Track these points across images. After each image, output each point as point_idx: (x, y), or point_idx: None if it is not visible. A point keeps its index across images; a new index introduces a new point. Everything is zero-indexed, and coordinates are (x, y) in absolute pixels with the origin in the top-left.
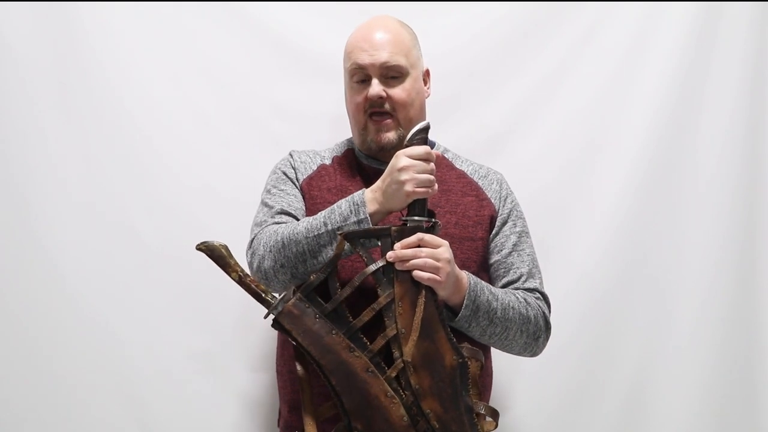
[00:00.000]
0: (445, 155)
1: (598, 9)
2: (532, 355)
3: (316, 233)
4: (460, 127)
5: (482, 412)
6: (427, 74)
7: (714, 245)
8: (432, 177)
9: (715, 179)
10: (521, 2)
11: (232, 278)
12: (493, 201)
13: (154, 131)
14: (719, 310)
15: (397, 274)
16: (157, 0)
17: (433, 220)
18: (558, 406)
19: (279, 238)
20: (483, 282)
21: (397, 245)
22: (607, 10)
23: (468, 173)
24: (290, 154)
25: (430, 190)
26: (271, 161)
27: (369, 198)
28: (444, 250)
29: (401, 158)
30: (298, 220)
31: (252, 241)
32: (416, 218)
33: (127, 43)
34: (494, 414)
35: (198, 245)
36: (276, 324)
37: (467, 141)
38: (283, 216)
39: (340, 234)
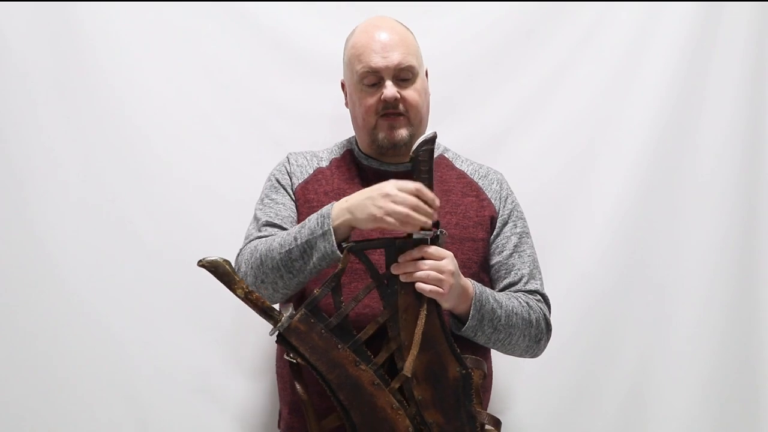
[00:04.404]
0: (445, 155)
1: (598, 9)
2: (532, 357)
3: (287, 248)
4: (460, 127)
5: (485, 421)
6: (426, 74)
7: (714, 245)
8: (408, 212)
9: (715, 179)
10: (521, 2)
11: (237, 295)
12: (493, 201)
13: (154, 131)
14: (719, 310)
15: (401, 286)
16: (157, 0)
17: (438, 230)
18: (558, 406)
19: (258, 255)
20: (488, 289)
21: (400, 257)
22: (607, 10)
23: (468, 173)
24: (287, 158)
25: (398, 224)
26: (271, 161)
27: (337, 210)
28: (448, 262)
29: (388, 185)
30: (285, 229)
31: (237, 257)
32: (421, 230)
33: (127, 43)
34: (496, 423)
35: (200, 262)
36: (282, 340)
37: (467, 141)
38: (268, 228)
39: (345, 247)
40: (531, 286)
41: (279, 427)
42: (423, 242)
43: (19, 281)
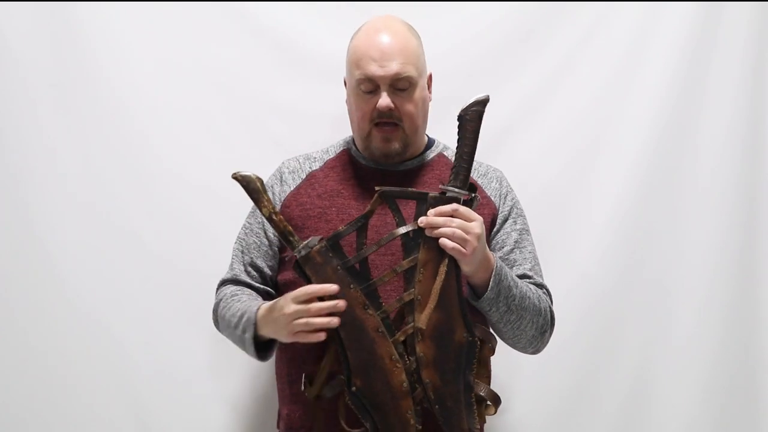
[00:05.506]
0: (444, 153)
1: (598, 9)
2: (534, 352)
3: (231, 330)
4: None
5: (483, 394)
6: (430, 79)
7: (714, 245)
8: (312, 320)
9: (715, 179)
10: (521, 2)
11: (262, 213)
12: (493, 199)
13: (154, 131)
14: (719, 310)
15: (425, 240)
16: (157, 0)
17: (473, 194)
18: (558, 406)
19: (221, 314)
20: (506, 267)
21: (430, 212)
22: (607, 10)
23: None
24: (279, 168)
25: (312, 337)
26: (271, 161)
27: (262, 321)
28: (476, 225)
29: (287, 303)
30: (251, 259)
31: (216, 297)
32: (456, 189)
33: (127, 43)
34: (495, 399)
35: (234, 174)
36: (297, 267)
37: None
38: (235, 267)
39: (378, 192)
40: (535, 280)
41: (278, 427)
42: (456, 200)
43: (19, 281)
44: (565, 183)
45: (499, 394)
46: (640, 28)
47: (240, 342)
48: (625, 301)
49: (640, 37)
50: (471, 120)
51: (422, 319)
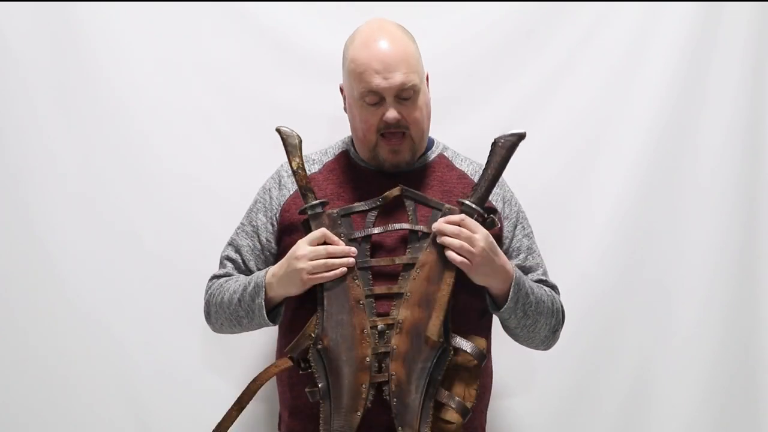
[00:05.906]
0: (444, 153)
1: (598, 9)
2: (546, 349)
3: (233, 307)
4: (460, 127)
5: (448, 403)
6: (427, 79)
7: (714, 245)
8: (330, 261)
9: (715, 179)
10: (521, 2)
11: (291, 166)
12: (495, 203)
13: (154, 131)
14: (719, 310)
15: (431, 244)
16: (157, 0)
17: (489, 216)
18: (558, 406)
19: (215, 304)
20: (524, 276)
21: (440, 219)
22: (607, 10)
23: (468, 173)
24: (277, 172)
25: (328, 274)
26: (271, 161)
27: (269, 283)
28: (479, 238)
29: (299, 246)
30: (241, 259)
31: (206, 292)
32: (473, 205)
33: (127, 43)
34: (463, 412)
35: (278, 127)
36: (305, 225)
37: (467, 141)
38: (227, 264)
39: (400, 187)
40: (548, 282)
41: (279, 429)
42: (469, 214)
43: (19, 281)
44: (565, 183)
45: (499, 393)
46: (640, 28)
47: (247, 314)
48: (625, 301)
49: (640, 37)
50: (502, 147)
51: (431, 329)
